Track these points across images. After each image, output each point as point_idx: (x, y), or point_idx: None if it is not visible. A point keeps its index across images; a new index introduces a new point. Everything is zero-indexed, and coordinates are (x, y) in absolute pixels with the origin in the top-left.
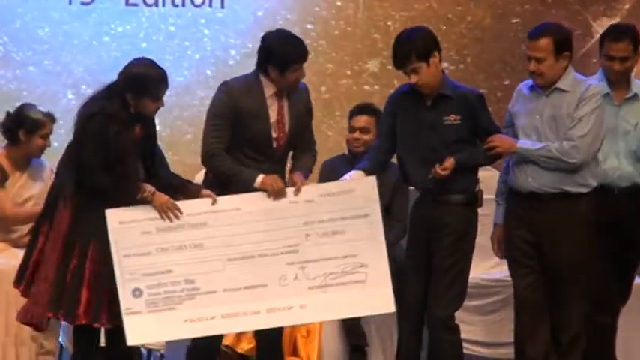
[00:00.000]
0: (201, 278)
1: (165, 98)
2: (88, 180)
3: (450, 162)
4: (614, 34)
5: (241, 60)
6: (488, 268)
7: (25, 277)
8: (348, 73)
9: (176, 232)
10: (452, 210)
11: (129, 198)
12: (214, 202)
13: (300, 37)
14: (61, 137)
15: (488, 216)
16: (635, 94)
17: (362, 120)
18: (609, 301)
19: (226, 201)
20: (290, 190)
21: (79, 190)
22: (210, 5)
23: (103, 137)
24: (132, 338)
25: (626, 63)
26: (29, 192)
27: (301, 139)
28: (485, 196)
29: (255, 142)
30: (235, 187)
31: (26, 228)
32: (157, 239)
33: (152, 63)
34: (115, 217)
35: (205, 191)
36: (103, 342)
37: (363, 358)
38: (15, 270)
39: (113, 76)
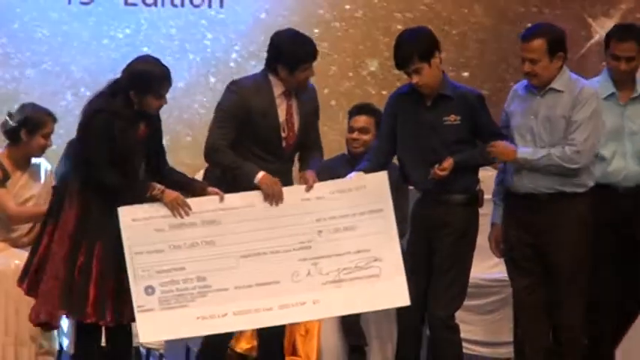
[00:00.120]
0: (214, 275)
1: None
2: (94, 177)
3: (448, 162)
4: (619, 33)
5: (242, 62)
6: (487, 268)
7: (28, 276)
8: (350, 74)
9: (189, 229)
10: (452, 210)
11: (136, 196)
12: (222, 200)
13: None
14: (60, 137)
15: (487, 215)
16: None
17: (361, 120)
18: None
19: (238, 198)
20: (302, 188)
21: (85, 188)
22: (209, 5)
23: (107, 134)
24: (144, 336)
25: (632, 63)
26: (30, 192)
27: (308, 139)
28: (485, 196)
29: (264, 141)
30: (239, 181)
31: (26, 228)
32: (170, 236)
33: (156, 61)
34: (127, 214)
35: (212, 189)
36: (103, 342)
37: (363, 358)
38: (14, 270)
39: (112, 77)
